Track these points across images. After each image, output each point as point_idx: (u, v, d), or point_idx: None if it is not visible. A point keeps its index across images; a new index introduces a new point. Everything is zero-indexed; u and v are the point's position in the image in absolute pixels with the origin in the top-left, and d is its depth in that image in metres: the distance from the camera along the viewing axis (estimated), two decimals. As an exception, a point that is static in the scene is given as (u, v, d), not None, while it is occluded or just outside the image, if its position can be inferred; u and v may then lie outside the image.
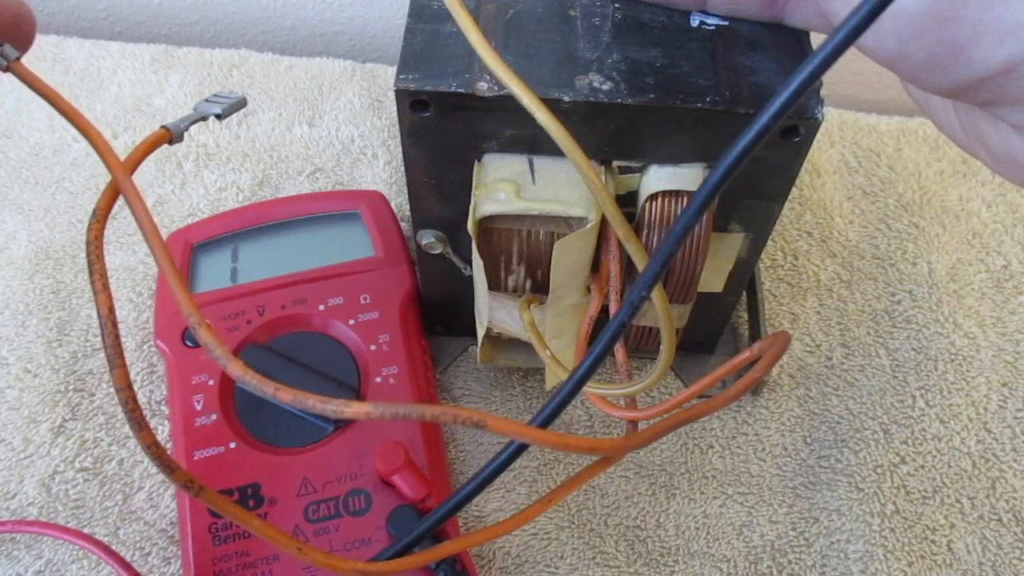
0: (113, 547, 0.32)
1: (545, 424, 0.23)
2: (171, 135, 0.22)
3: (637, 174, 0.27)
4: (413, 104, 0.25)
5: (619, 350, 0.29)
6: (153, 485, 0.34)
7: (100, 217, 0.20)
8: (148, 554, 0.32)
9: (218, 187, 0.42)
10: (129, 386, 0.19)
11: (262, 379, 0.19)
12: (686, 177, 0.26)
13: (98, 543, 0.31)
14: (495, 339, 0.34)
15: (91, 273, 0.20)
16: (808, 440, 0.36)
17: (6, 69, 0.21)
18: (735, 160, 0.19)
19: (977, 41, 0.20)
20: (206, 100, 0.23)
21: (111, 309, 0.20)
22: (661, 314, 0.26)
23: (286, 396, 0.19)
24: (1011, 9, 0.19)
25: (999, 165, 0.24)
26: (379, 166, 0.43)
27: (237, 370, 0.19)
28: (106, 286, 0.20)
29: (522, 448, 0.24)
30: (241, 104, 0.23)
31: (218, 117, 0.23)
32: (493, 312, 0.31)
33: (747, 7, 0.26)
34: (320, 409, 0.19)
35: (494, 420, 0.19)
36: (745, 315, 0.38)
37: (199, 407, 0.32)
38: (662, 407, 0.26)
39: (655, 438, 0.23)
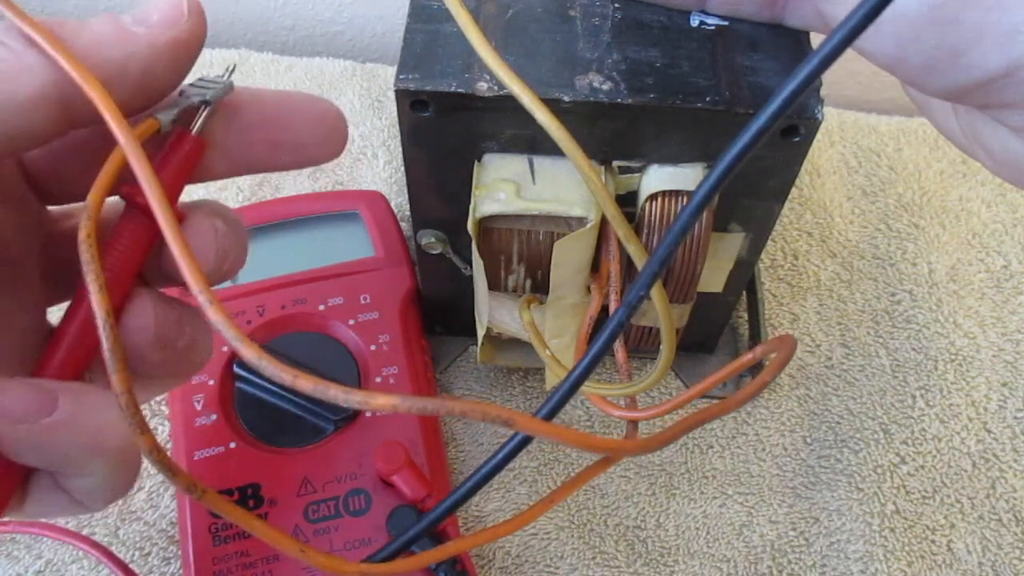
0: (113, 547, 0.32)
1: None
2: (159, 125, 0.21)
3: (637, 174, 0.27)
4: (413, 104, 0.25)
5: (619, 350, 0.29)
6: (153, 485, 0.34)
7: (91, 215, 0.19)
8: (148, 554, 0.32)
9: (218, 187, 0.42)
10: (130, 390, 0.19)
11: (280, 365, 0.18)
12: (686, 177, 0.26)
13: (96, 545, 0.31)
14: (495, 339, 0.34)
15: (86, 274, 0.19)
16: (808, 440, 0.36)
17: None
18: (732, 162, 0.19)
19: (976, 45, 0.20)
20: (192, 84, 0.22)
21: (109, 312, 0.19)
22: (661, 314, 0.26)
23: (305, 385, 0.18)
24: (1010, 14, 0.19)
25: (998, 167, 0.24)
26: (379, 166, 0.43)
27: (252, 354, 0.18)
28: (103, 287, 0.19)
29: (521, 446, 0.24)
30: (228, 88, 0.22)
31: (206, 104, 0.22)
32: (493, 312, 0.31)
33: (747, 7, 0.26)
34: (343, 400, 0.18)
35: (523, 419, 0.19)
36: (745, 315, 0.38)
37: (199, 407, 0.32)
38: (662, 408, 0.26)
39: (674, 438, 0.23)
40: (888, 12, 0.17)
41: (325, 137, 0.23)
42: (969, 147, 0.25)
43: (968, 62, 0.20)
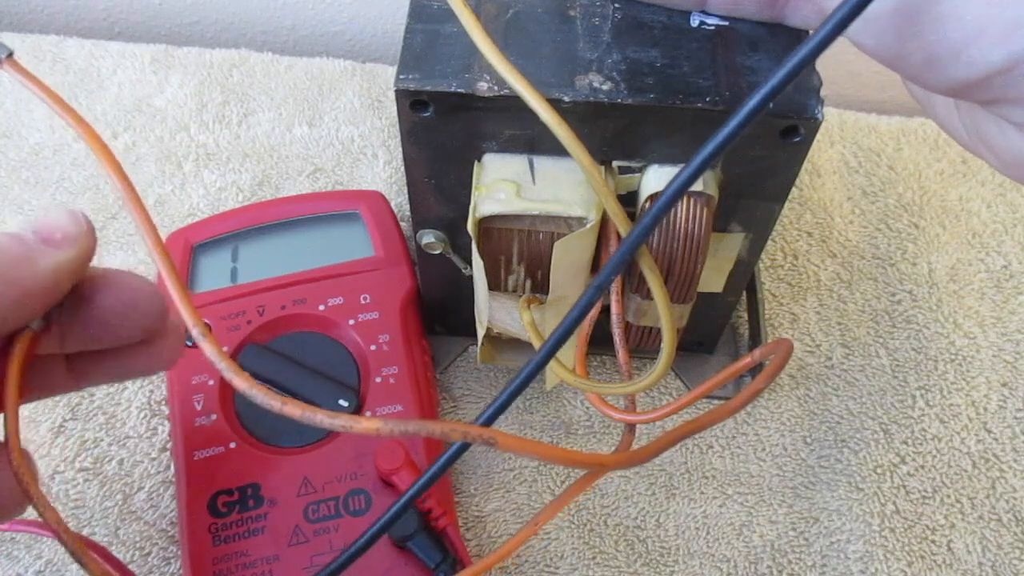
0: (113, 547, 0.32)
1: (497, 414, 0.23)
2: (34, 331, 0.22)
3: (637, 174, 0.27)
4: (413, 104, 0.25)
5: (621, 350, 0.29)
6: (153, 485, 0.34)
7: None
8: (148, 554, 0.32)
9: (218, 187, 0.42)
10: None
11: (268, 393, 0.19)
12: (686, 177, 0.26)
13: (94, 545, 0.31)
14: (495, 339, 0.34)
15: None
16: (808, 440, 0.36)
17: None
18: (722, 141, 0.19)
19: (978, 39, 0.20)
20: None
21: None
22: (662, 314, 0.26)
23: (293, 411, 0.19)
24: (1011, 7, 0.19)
25: (1002, 164, 0.24)
26: (379, 166, 0.43)
27: (243, 383, 0.19)
28: None
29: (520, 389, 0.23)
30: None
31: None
32: (493, 312, 0.31)
33: (747, 7, 0.26)
34: (329, 424, 0.19)
35: (504, 437, 0.19)
36: (745, 315, 0.38)
37: (199, 407, 0.32)
38: (662, 411, 0.26)
39: (659, 452, 0.23)
40: (888, 7, 0.17)
41: (141, 313, 0.23)
42: (972, 145, 0.25)
43: (969, 57, 0.20)
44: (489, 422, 0.23)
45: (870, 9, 0.18)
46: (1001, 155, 0.23)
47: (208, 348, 0.19)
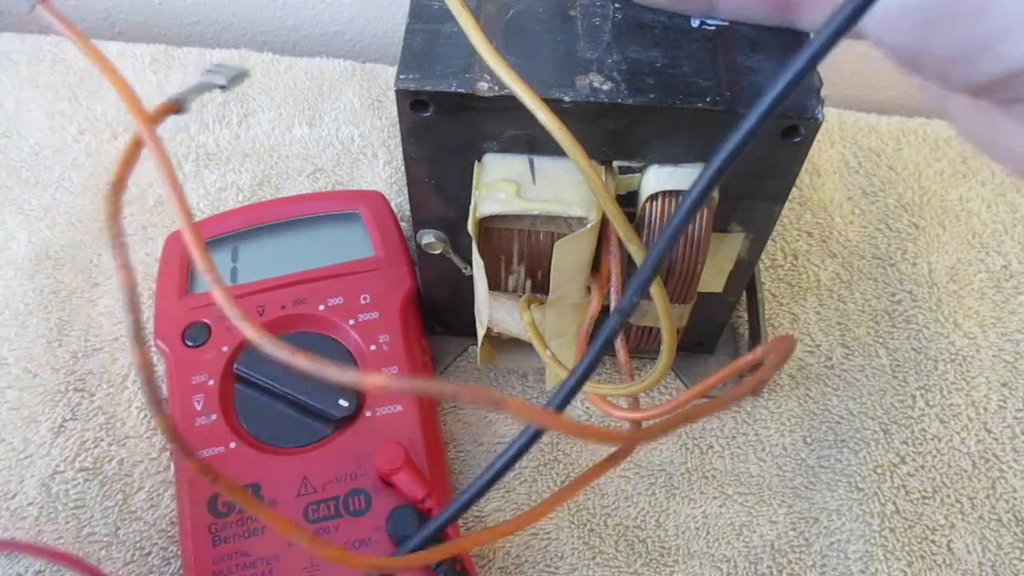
0: (113, 547, 0.32)
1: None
2: (179, 105, 0.22)
3: (637, 174, 0.27)
4: (413, 104, 0.25)
5: (621, 350, 0.29)
6: (153, 485, 0.34)
7: (117, 189, 0.20)
8: (148, 554, 0.32)
9: (218, 187, 0.42)
10: (149, 366, 0.19)
11: (278, 342, 0.19)
12: (686, 177, 0.26)
13: (67, 556, 0.31)
14: (495, 339, 0.34)
15: (113, 247, 0.19)
16: (808, 440, 0.36)
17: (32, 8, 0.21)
18: (724, 162, 0.19)
19: (1007, 34, 0.19)
20: (208, 70, 0.23)
21: (134, 286, 0.19)
22: (662, 314, 0.26)
23: (303, 362, 0.19)
24: None
25: (1018, 168, 0.23)
26: (379, 166, 0.43)
27: (251, 332, 0.19)
28: (127, 262, 0.19)
29: (533, 440, 0.23)
30: (244, 74, 0.23)
31: (223, 88, 0.23)
32: (493, 312, 0.31)
33: (756, 11, 0.26)
34: (337, 377, 0.19)
35: (513, 403, 0.19)
36: (745, 315, 0.38)
37: (199, 407, 0.32)
38: (663, 408, 0.26)
39: (666, 432, 0.23)
40: (911, 3, 0.17)
41: None
42: (990, 148, 0.24)
43: (998, 52, 0.19)
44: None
45: (893, 6, 0.18)
46: (1018, 159, 0.23)
47: (218, 296, 0.19)
